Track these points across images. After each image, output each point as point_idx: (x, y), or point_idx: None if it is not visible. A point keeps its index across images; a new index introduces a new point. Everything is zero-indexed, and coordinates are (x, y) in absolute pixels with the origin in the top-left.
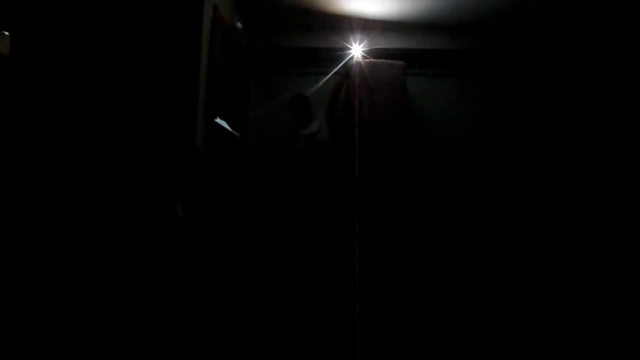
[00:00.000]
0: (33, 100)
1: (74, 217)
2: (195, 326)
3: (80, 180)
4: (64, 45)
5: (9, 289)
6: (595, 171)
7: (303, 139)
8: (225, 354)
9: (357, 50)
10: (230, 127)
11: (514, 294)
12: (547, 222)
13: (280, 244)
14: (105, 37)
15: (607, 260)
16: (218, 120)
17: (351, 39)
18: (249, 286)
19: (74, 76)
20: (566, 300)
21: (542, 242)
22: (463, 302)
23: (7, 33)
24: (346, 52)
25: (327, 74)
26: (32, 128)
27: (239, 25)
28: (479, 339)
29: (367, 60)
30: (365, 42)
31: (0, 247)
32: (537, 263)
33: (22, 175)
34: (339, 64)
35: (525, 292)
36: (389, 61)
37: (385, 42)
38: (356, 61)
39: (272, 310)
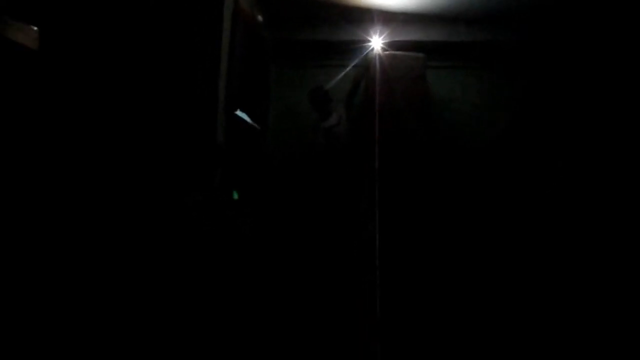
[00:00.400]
0: (60, 92)
1: (95, 206)
2: (206, 320)
3: (103, 170)
4: (90, 40)
5: (21, 285)
6: (610, 166)
7: (323, 131)
8: (239, 349)
9: (377, 42)
10: (251, 119)
11: (538, 289)
12: (566, 214)
13: (297, 238)
14: (128, 32)
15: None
16: (238, 112)
17: (371, 32)
18: (262, 282)
19: (98, 70)
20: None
21: (562, 234)
22: (486, 298)
23: (35, 28)
24: (366, 44)
25: (347, 66)
26: (58, 119)
27: (260, 17)
28: (500, 335)
29: (387, 52)
30: (385, 34)
31: (13, 242)
32: (556, 256)
33: (47, 162)
34: (358, 56)
35: (548, 287)
36: (408, 53)
37: (405, 35)
38: (376, 53)
39: (286, 306)
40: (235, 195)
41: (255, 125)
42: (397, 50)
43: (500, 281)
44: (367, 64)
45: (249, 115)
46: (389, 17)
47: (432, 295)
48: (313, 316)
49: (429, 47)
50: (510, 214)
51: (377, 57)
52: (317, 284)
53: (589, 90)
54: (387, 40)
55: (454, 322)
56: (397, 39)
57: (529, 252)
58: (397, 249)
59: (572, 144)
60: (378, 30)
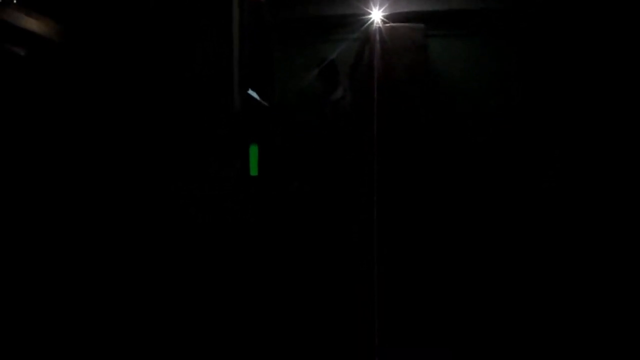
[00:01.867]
0: (82, 75)
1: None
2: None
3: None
4: (110, 28)
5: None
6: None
7: (329, 105)
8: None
9: (377, 15)
10: (259, 97)
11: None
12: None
13: (302, 214)
14: (146, 20)
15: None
16: (250, 91)
17: (371, 4)
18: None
19: (118, 55)
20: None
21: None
22: (491, 277)
23: (53, 20)
24: (366, 17)
25: (348, 40)
26: (87, 101)
27: None
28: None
29: (387, 24)
30: (384, 6)
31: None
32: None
33: (68, 145)
34: (359, 29)
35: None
36: (408, 24)
37: (405, 6)
38: (376, 26)
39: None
40: (254, 172)
41: (264, 102)
42: (397, 21)
43: (506, 271)
44: (367, 36)
45: (258, 94)
46: None
47: (436, 278)
48: (313, 299)
49: (430, 16)
50: (512, 189)
51: (377, 30)
52: (320, 264)
53: (590, 60)
54: (387, 13)
55: (457, 304)
56: (396, 10)
57: (542, 219)
58: (399, 221)
59: (571, 119)
60: (378, 3)
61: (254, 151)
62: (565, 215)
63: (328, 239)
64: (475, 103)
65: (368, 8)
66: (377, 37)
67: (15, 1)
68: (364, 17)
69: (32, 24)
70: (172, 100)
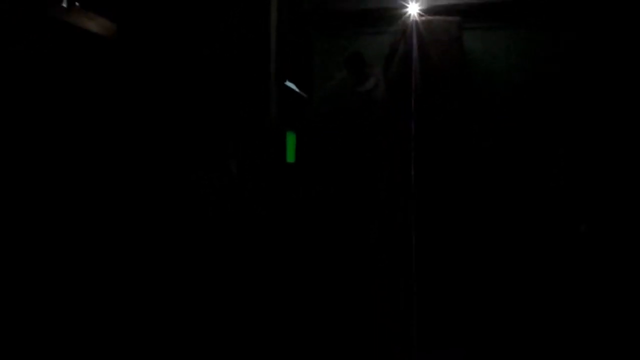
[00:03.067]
0: (137, 61)
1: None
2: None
3: (169, 139)
4: (159, 26)
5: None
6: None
7: (359, 95)
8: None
9: (413, 8)
10: (298, 88)
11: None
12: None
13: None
14: (184, 12)
15: None
16: (287, 83)
17: None
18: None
19: (166, 54)
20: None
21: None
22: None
23: (108, 19)
24: (403, 10)
25: (384, 33)
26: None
27: None
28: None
29: (423, 17)
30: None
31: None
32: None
33: (122, 133)
34: (396, 22)
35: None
36: (444, 17)
37: None
38: (413, 19)
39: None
40: (291, 159)
41: (303, 93)
42: (433, 15)
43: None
44: (404, 29)
45: (296, 85)
46: None
47: (473, 261)
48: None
49: (466, 9)
50: (563, 171)
51: (413, 23)
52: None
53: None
54: (423, 7)
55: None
56: (433, 3)
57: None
58: (435, 212)
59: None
60: None
61: (291, 139)
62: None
63: (355, 236)
64: (510, 95)
65: (405, 1)
66: (414, 29)
67: (77, 4)
68: (400, 11)
69: (91, 24)
70: (211, 89)
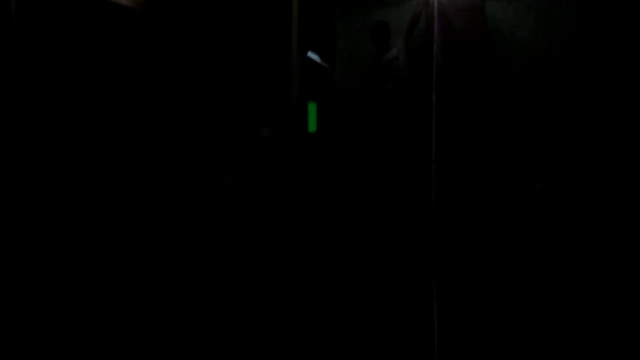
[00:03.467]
0: (163, 47)
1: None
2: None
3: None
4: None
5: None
6: None
7: (382, 65)
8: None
9: None
10: (320, 59)
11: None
12: None
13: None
14: None
15: None
16: (310, 53)
17: None
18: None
19: (191, 26)
20: None
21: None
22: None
23: None
24: None
25: (407, 2)
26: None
27: None
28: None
29: None
30: None
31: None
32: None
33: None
34: None
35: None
36: None
37: None
38: None
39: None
40: (313, 128)
41: (325, 64)
42: None
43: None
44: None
45: (319, 55)
46: None
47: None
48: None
49: None
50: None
51: None
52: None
53: None
54: None
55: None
56: None
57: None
58: (456, 188)
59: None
60: None
61: (312, 108)
62: None
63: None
64: (531, 64)
65: None
66: None
67: None
68: None
69: None
70: (234, 59)
